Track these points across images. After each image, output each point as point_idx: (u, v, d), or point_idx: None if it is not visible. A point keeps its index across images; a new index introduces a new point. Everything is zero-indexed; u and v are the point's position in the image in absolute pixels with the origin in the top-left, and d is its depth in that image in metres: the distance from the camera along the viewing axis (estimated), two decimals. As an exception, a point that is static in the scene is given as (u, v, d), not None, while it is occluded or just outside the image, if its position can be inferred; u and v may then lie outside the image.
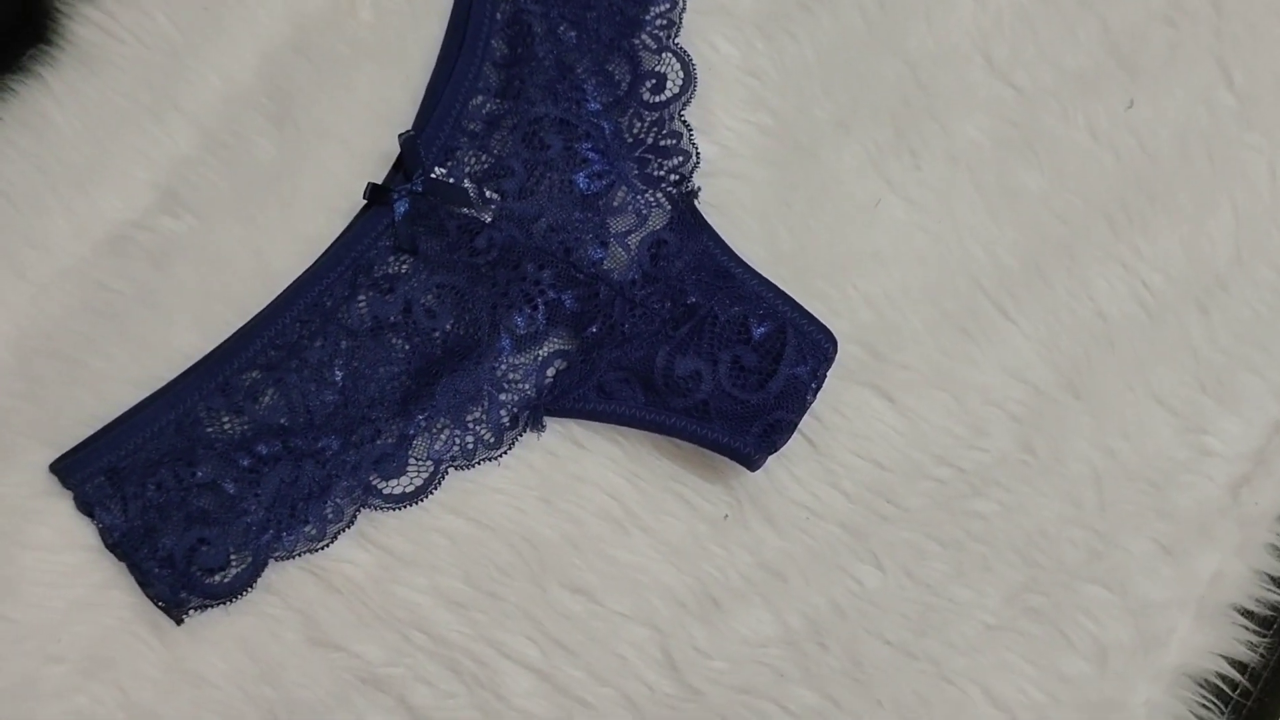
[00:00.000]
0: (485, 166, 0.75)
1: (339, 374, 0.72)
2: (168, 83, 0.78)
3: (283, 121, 0.77)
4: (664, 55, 0.79)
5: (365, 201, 0.74)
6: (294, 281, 0.73)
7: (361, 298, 0.73)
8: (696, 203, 0.76)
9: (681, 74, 0.79)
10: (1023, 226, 0.78)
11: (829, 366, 0.72)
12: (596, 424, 0.73)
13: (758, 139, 0.79)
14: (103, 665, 0.70)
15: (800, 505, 0.74)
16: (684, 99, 0.78)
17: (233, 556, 0.70)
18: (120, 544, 0.70)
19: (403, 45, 0.79)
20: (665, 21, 0.79)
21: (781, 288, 0.73)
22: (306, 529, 0.70)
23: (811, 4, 0.81)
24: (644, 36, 0.79)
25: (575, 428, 0.74)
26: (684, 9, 0.80)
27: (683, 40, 0.79)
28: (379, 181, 0.74)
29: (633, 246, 0.74)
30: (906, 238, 0.78)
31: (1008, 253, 0.78)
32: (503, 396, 0.73)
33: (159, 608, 0.69)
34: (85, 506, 0.70)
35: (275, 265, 0.74)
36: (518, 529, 0.73)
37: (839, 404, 0.75)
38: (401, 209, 0.73)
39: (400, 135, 0.73)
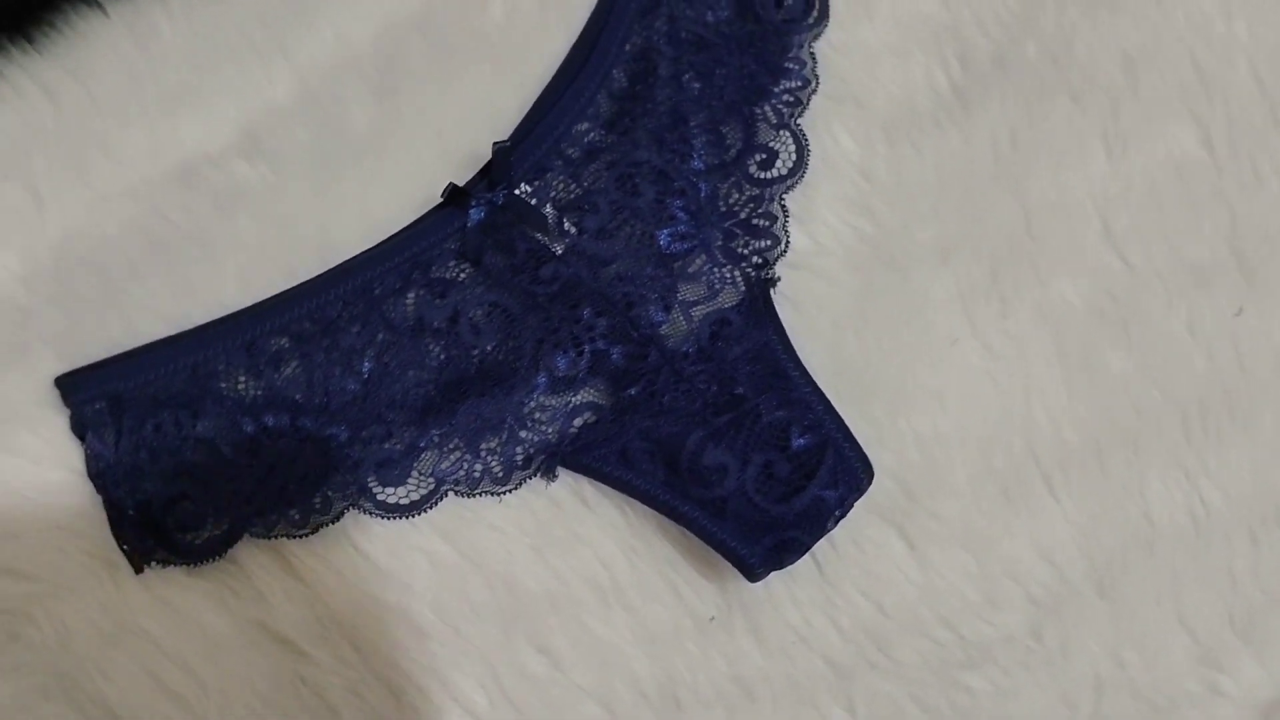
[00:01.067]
0: (571, 196, 0.75)
1: (367, 365, 0.71)
2: (283, 27, 0.77)
3: (384, 97, 0.77)
4: (782, 132, 0.78)
5: (442, 200, 0.73)
6: (350, 260, 0.73)
7: (411, 295, 0.72)
8: (773, 291, 0.75)
9: (794, 156, 0.78)
10: (1094, 405, 0.77)
11: (859, 497, 0.71)
12: (608, 488, 0.72)
13: (853, 242, 0.78)
14: (52, 593, 0.69)
15: (791, 628, 0.73)
16: (789, 182, 0.78)
17: (210, 520, 0.70)
18: (103, 475, 0.69)
19: (524, 52, 0.79)
20: (793, 99, 0.79)
21: (834, 402, 0.72)
22: (291, 512, 0.70)
23: (946, 121, 0.80)
24: (767, 108, 0.78)
25: (586, 485, 0.73)
26: (815, 91, 0.79)
27: (805, 122, 0.79)
28: (461, 183, 0.74)
29: (695, 318, 0.74)
30: (974, 384, 0.77)
31: (1072, 428, 0.76)
32: (523, 434, 0.72)
33: (122, 550, 0.69)
34: (79, 428, 0.70)
35: (336, 238, 0.74)
36: (501, 571, 0.72)
37: (859, 536, 0.74)
38: (476, 217, 0.72)
39: (495, 143, 0.72)
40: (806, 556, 0.71)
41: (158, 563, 0.69)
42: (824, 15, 0.81)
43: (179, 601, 0.70)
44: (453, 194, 0.73)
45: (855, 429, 0.72)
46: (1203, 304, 0.78)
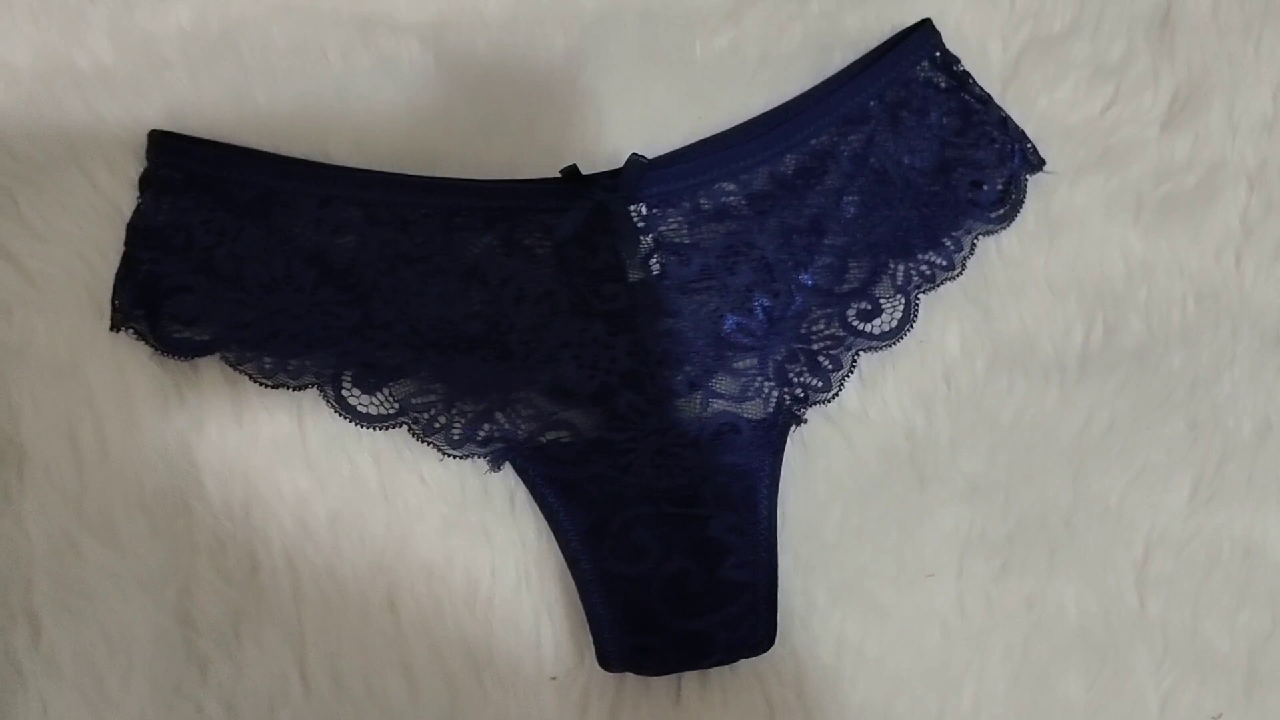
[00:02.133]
0: (675, 240, 0.76)
1: (409, 275, 0.73)
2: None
3: (575, 57, 0.79)
4: (899, 296, 0.78)
5: (559, 175, 0.74)
6: (454, 179, 0.75)
7: (485, 239, 0.74)
8: (794, 428, 0.75)
9: (896, 323, 0.78)
10: (1023, 714, 0.75)
11: (749, 656, 0.70)
12: (537, 507, 0.73)
13: (896, 431, 0.78)
14: (35, 299, 0.73)
15: None
16: (876, 344, 0.77)
17: (200, 323, 0.73)
18: (138, 231, 0.73)
19: (721, 93, 0.79)
20: (929, 273, 0.78)
21: (785, 559, 0.72)
22: (266, 359, 0.73)
23: (1055, 375, 0.79)
24: (901, 267, 0.78)
25: (521, 493, 0.74)
26: (954, 278, 0.78)
27: (926, 299, 0.78)
28: (580, 169, 0.74)
29: (712, 410, 0.74)
30: (923, 626, 0.76)
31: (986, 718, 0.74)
32: (499, 414, 0.73)
33: (112, 303, 0.73)
34: (145, 182, 0.74)
35: (455, 151, 0.76)
36: (403, 519, 0.74)
37: (731, 688, 0.74)
38: (582, 208, 0.73)
39: (633, 154, 0.73)
40: (670, 676, 0.71)
41: (133, 332, 0.73)
42: (1008, 219, 0.80)
43: (131, 372, 0.73)
44: (570, 175, 0.74)
45: (789, 595, 0.72)
46: (1190, 687, 0.76)
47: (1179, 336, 0.80)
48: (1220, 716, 0.76)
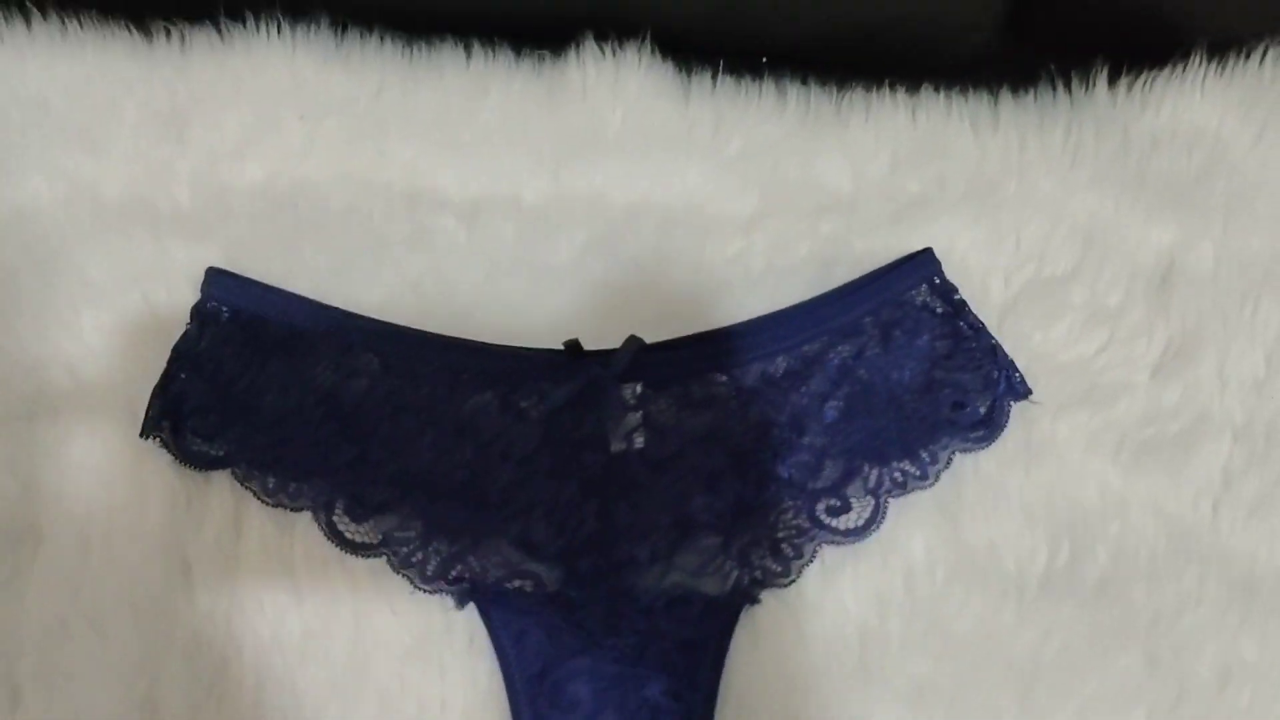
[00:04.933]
0: (660, 421, 0.85)
1: (408, 422, 0.83)
2: (570, 154, 0.93)
3: (601, 250, 0.90)
4: (869, 498, 0.85)
5: (561, 347, 0.85)
6: (462, 339, 0.85)
7: (483, 397, 0.84)
8: (747, 606, 0.81)
9: (863, 522, 0.84)
10: None
11: None
12: (494, 648, 0.80)
13: (849, 627, 0.83)
14: (80, 404, 0.85)
15: None
16: (841, 540, 0.84)
17: (217, 440, 0.84)
18: (180, 354, 0.86)
19: (721, 292, 0.89)
20: (901, 480, 0.85)
21: (720, 733, 0.76)
22: (269, 479, 0.82)
23: (1014, 596, 0.83)
24: (875, 472, 0.85)
25: (480, 633, 0.81)
26: (926, 488, 0.84)
27: (895, 504, 0.84)
28: (582, 345, 0.84)
29: (668, 581, 0.82)
30: None
31: None
32: (470, 558, 0.82)
33: (146, 413, 0.84)
34: (195, 313, 0.87)
35: (471, 315, 0.87)
36: (369, 647, 0.81)
37: None
38: (576, 381, 0.84)
39: (631, 336, 0.83)
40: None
41: (159, 441, 0.84)
42: (987, 440, 0.87)
43: (149, 480, 0.83)
44: (571, 349, 0.85)
45: None
46: None
47: (1145, 572, 0.85)
48: None
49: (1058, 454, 0.88)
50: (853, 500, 0.85)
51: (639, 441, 0.85)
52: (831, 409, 0.87)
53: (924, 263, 0.90)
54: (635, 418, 0.85)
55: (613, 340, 0.86)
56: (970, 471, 0.87)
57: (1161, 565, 0.85)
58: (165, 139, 0.92)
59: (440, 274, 0.90)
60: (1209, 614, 0.85)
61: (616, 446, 0.84)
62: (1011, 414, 0.87)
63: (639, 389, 0.86)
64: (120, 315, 0.88)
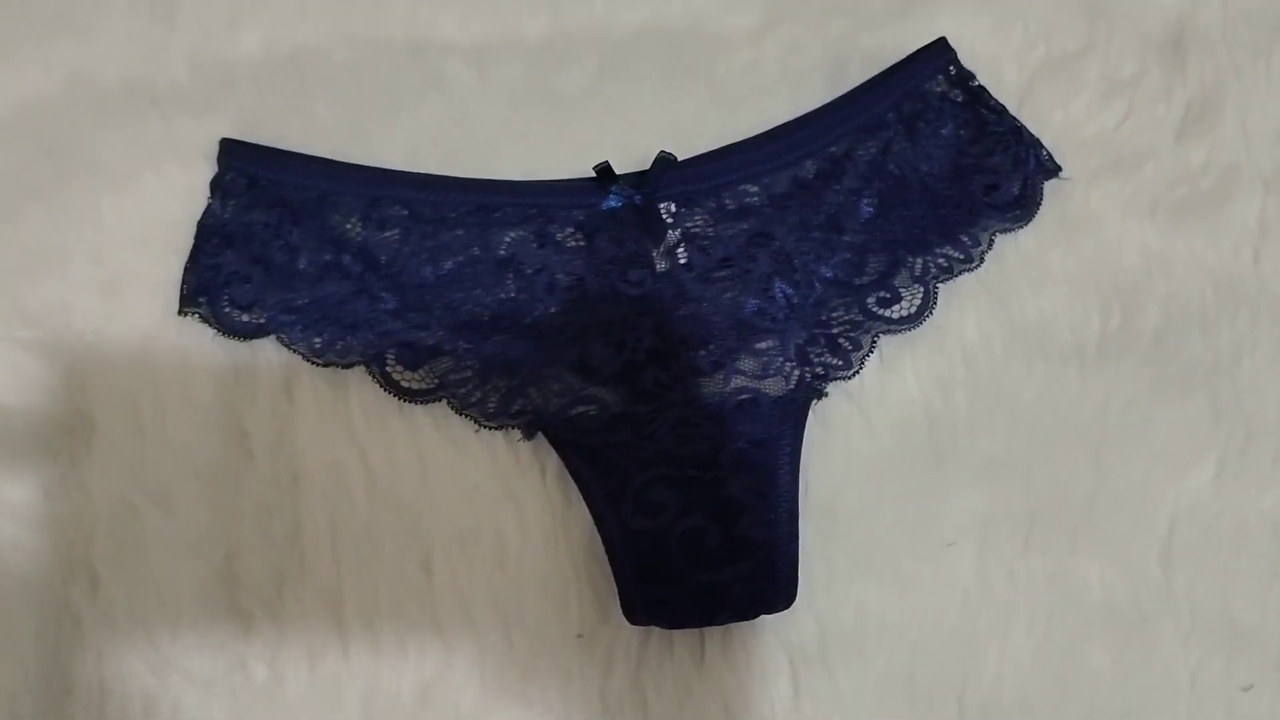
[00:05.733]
0: (699, 232, 0.85)
1: (449, 265, 0.83)
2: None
3: (607, 73, 0.90)
4: (916, 286, 0.85)
5: (593, 173, 0.84)
6: (496, 180, 0.85)
7: (520, 232, 0.84)
8: (815, 402, 0.81)
9: (914, 309, 0.85)
10: (1051, 685, 0.79)
11: (767, 612, 0.77)
12: (567, 475, 0.81)
13: (916, 410, 0.84)
14: (111, 289, 0.84)
15: (639, 688, 0.79)
16: (895, 328, 0.85)
17: (257, 308, 0.83)
18: (206, 228, 0.85)
19: (744, 102, 0.89)
20: (946, 265, 0.86)
21: (805, 527, 0.77)
22: (316, 340, 0.83)
23: (1074, 360, 0.85)
24: (919, 260, 0.86)
25: (551, 460, 0.82)
26: (972, 270, 0.85)
27: (944, 289, 0.85)
28: (615, 169, 0.84)
29: (733, 386, 0.82)
30: (945, 594, 0.81)
31: (1014, 691, 0.79)
32: (530, 390, 0.81)
33: (180, 291, 0.83)
34: (215, 185, 0.85)
35: (496, 156, 0.87)
36: (436, 485, 0.82)
37: (754, 650, 0.79)
38: (612, 203, 0.84)
39: (662, 151, 0.83)
40: (695, 635, 0.77)
41: (197, 316, 0.83)
42: (1025, 219, 0.87)
43: (193, 354, 0.83)
44: (602, 173, 0.84)
45: (810, 561, 0.79)
46: (1218, 660, 0.79)
47: (1197, 323, 0.86)
48: (1252, 686, 0.78)
49: (1095, 224, 0.88)
50: (901, 290, 0.85)
51: (682, 257, 0.84)
52: (867, 205, 0.87)
53: (939, 52, 0.90)
54: (674, 234, 0.85)
55: (638, 164, 0.86)
56: (1011, 251, 0.87)
57: (1212, 315, 0.86)
58: (155, 18, 0.90)
59: (457, 118, 0.89)
60: (1265, 356, 0.86)
61: (661, 264, 0.84)
62: (1045, 191, 0.87)
63: (673, 207, 0.85)
64: (138, 197, 0.86)
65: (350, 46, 0.90)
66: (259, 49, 0.90)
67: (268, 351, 0.84)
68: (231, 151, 0.86)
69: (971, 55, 0.91)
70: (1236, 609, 0.81)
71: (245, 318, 0.84)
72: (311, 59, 0.90)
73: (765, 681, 0.79)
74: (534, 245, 0.85)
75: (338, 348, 0.83)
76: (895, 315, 0.85)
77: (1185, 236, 0.88)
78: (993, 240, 0.87)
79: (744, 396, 0.82)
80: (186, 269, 0.84)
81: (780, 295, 0.84)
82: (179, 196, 0.86)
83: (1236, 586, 0.82)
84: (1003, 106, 0.89)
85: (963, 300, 0.86)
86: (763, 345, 0.83)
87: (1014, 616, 0.81)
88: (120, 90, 0.89)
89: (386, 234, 0.85)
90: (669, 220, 0.85)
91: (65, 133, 0.88)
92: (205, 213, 0.85)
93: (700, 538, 0.78)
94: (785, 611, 0.79)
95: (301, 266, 0.84)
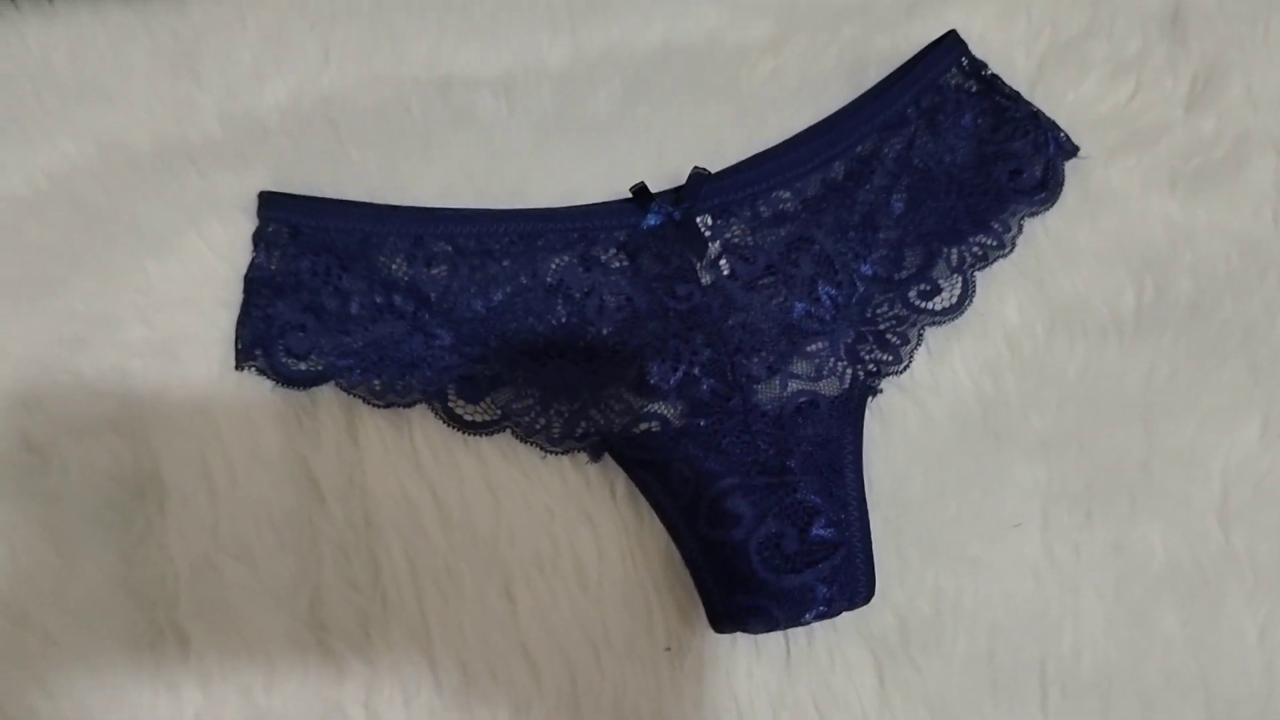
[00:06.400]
0: (739, 242, 0.86)
1: (498, 296, 0.85)
2: (585, 9, 0.93)
3: (632, 96, 0.91)
4: (955, 276, 0.88)
5: (630, 194, 0.86)
6: (532, 209, 0.86)
7: (565, 258, 0.86)
8: (871, 399, 0.83)
9: (955, 300, 0.87)
10: (1126, 652, 0.82)
11: (849, 609, 0.79)
12: (637, 492, 0.83)
13: (968, 396, 0.87)
14: (165, 351, 0.85)
15: (734, 696, 0.81)
16: (939, 319, 0.87)
17: (314, 356, 0.84)
18: (253, 281, 0.86)
19: (768, 113, 0.91)
20: (981, 253, 0.88)
21: (875, 521, 0.79)
22: (375, 381, 0.84)
23: (1114, 333, 0.87)
24: (954, 251, 0.88)
25: (620, 481, 0.84)
26: (1005, 256, 0.87)
27: (981, 276, 0.87)
28: (650, 188, 0.86)
29: (790, 390, 0.84)
30: (1017, 573, 0.83)
31: (1093, 661, 0.82)
32: (593, 412, 0.83)
33: (236, 347, 0.85)
34: (257, 238, 0.87)
35: (529, 186, 0.88)
36: (512, 513, 0.84)
37: (838, 648, 0.82)
38: (652, 221, 0.86)
39: (695, 168, 0.85)
40: (779, 637, 0.78)
41: (254, 369, 0.85)
42: (1050, 201, 0.90)
43: (255, 407, 0.84)
44: (638, 194, 0.86)
45: (882, 554, 0.80)
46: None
47: (1227, 288, 0.89)
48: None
49: (1117, 200, 0.91)
50: (941, 281, 0.88)
51: (725, 268, 0.86)
52: (898, 201, 0.88)
53: (950, 45, 0.92)
54: (715, 247, 0.86)
55: (670, 180, 0.88)
56: (1041, 233, 0.90)
57: (1240, 278, 0.89)
58: (179, 77, 0.90)
59: (489, 150, 0.90)
60: (1296, 315, 0.90)
61: (706, 278, 0.86)
62: (1065, 171, 0.90)
63: (710, 220, 0.87)
64: (182, 257, 0.87)
65: (377, 88, 0.91)
66: (287, 98, 0.91)
67: (327, 397, 0.85)
68: (271, 203, 0.87)
69: (981, 45, 0.93)
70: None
71: (303, 366, 0.85)
72: (340, 104, 0.91)
73: (851, 677, 0.82)
74: (580, 269, 0.86)
75: (398, 388, 0.85)
76: (938, 307, 0.87)
77: (1206, 205, 0.91)
78: (1022, 225, 0.89)
79: (802, 400, 0.84)
80: (239, 323, 0.85)
81: (825, 297, 0.86)
82: (222, 253, 0.87)
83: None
84: (1017, 93, 0.91)
85: (1001, 286, 0.89)
86: (813, 347, 0.85)
87: (1083, 589, 0.83)
88: (153, 151, 0.89)
89: (434, 271, 0.86)
90: (707, 233, 0.86)
91: (103, 199, 0.88)
92: (251, 266, 0.86)
93: (778, 543, 0.79)
94: (865, 606, 0.81)
95: (354, 310, 0.85)
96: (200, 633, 0.81)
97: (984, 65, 0.91)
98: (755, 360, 0.84)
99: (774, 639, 0.82)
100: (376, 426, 0.85)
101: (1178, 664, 0.82)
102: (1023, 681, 0.81)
